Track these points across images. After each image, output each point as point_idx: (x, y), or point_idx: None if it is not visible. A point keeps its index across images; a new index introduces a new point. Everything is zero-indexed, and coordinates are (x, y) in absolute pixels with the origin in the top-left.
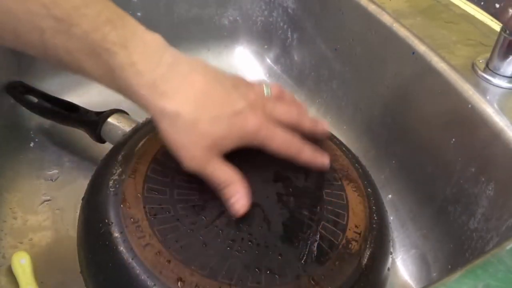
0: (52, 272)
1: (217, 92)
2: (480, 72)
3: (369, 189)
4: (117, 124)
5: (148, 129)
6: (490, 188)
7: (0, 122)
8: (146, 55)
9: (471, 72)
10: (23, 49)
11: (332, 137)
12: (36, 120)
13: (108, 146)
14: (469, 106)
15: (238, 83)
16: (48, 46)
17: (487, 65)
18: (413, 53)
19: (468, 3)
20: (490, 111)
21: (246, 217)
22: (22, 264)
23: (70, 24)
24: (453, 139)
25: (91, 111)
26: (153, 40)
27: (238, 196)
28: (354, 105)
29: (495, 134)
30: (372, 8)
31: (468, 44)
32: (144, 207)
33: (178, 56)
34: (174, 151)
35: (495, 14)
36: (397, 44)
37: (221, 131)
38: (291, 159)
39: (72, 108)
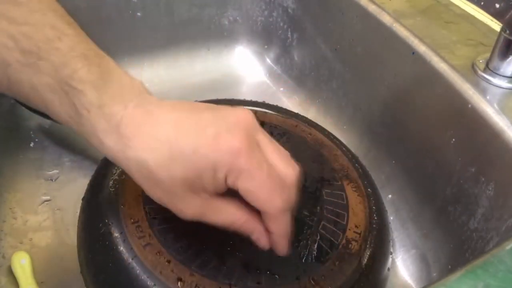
0: (52, 272)
1: (188, 122)
2: (480, 72)
3: (369, 189)
4: None
5: None
6: (490, 188)
7: (0, 122)
8: (119, 98)
9: (471, 72)
10: None
11: (332, 137)
12: (36, 120)
13: None
14: (469, 106)
15: (218, 107)
16: (12, 80)
17: (487, 65)
18: (413, 53)
19: (468, 3)
20: (490, 111)
21: None
22: (22, 264)
23: (39, 57)
24: (453, 139)
25: None
26: (131, 83)
27: (256, 234)
28: (354, 105)
29: (495, 134)
30: (372, 8)
31: (468, 44)
32: (144, 207)
33: (155, 101)
34: (165, 206)
35: (495, 14)
36: (397, 44)
37: (197, 167)
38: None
39: None
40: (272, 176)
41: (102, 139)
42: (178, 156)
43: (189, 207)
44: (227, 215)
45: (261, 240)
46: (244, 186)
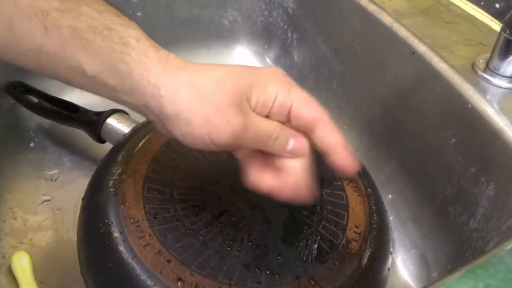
0: (52, 272)
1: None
2: (480, 72)
3: (369, 189)
4: (117, 124)
5: (148, 129)
6: (490, 188)
7: (0, 122)
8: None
9: (471, 72)
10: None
11: None
12: (36, 120)
13: (108, 146)
14: (469, 106)
15: None
16: (49, 27)
17: (487, 65)
18: (413, 53)
19: (468, 3)
20: (490, 111)
21: (246, 217)
22: (22, 264)
23: (78, 4)
24: (453, 139)
25: (91, 111)
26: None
27: (297, 139)
28: (354, 105)
29: (495, 134)
30: (372, 8)
31: (468, 44)
32: (144, 207)
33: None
34: (200, 132)
35: (495, 14)
36: (397, 44)
37: (245, 80)
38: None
39: (72, 108)
40: None
41: (151, 66)
42: (232, 73)
43: (233, 122)
44: (266, 126)
45: (302, 143)
46: (300, 96)
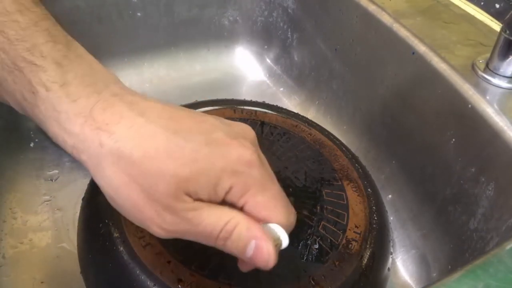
0: (52, 272)
1: (188, 120)
2: (480, 72)
3: (369, 189)
4: None
5: None
6: (490, 188)
7: (0, 122)
8: (89, 81)
9: (471, 72)
10: None
11: (332, 137)
12: None
13: None
14: (469, 106)
15: (213, 117)
16: None
17: (487, 65)
18: (413, 53)
19: (468, 3)
20: (490, 111)
21: None
22: None
23: None
24: (453, 139)
25: None
26: (104, 70)
27: (256, 242)
28: (354, 105)
29: (495, 134)
30: (372, 8)
31: (468, 44)
32: None
33: (137, 94)
34: (130, 217)
35: (495, 14)
36: (397, 44)
37: (188, 168)
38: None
39: None
40: (281, 191)
41: (64, 123)
42: (176, 152)
43: (164, 215)
44: (220, 215)
45: (266, 252)
46: (255, 199)
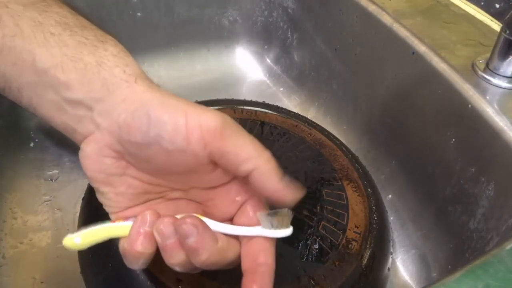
0: (52, 272)
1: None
2: (480, 72)
3: (369, 189)
4: None
5: None
6: (490, 188)
7: (0, 122)
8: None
9: (471, 72)
10: None
11: (332, 137)
12: (36, 120)
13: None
14: (469, 106)
15: None
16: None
17: (487, 65)
18: (413, 53)
19: (468, 3)
20: (490, 111)
21: None
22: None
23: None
24: (453, 139)
25: None
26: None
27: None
28: (354, 105)
29: (495, 134)
30: (372, 8)
31: (468, 44)
32: None
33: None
34: (177, 111)
35: (495, 14)
36: (397, 44)
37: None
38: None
39: None
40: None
41: (128, 61)
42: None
43: (218, 114)
44: (256, 141)
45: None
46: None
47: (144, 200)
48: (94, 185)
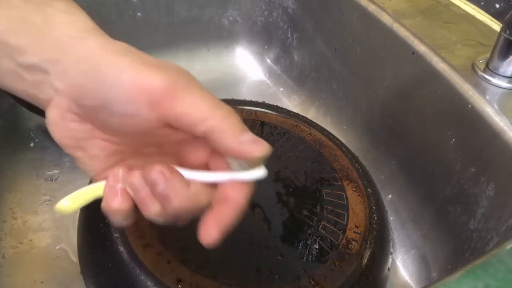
0: (52, 272)
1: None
2: (480, 72)
3: (369, 189)
4: None
5: None
6: (490, 188)
7: (0, 122)
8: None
9: (471, 72)
10: None
11: (332, 137)
12: (36, 120)
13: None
14: (469, 106)
15: None
16: None
17: (487, 65)
18: (413, 53)
19: (468, 3)
20: (490, 111)
21: (246, 217)
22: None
23: None
24: (453, 139)
25: None
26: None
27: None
28: (354, 105)
29: (495, 134)
30: (372, 8)
31: (468, 44)
32: None
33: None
34: (129, 72)
35: (495, 14)
36: (397, 44)
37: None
38: None
39: None
40: None
41: (79, 16)
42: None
43: (169, 74)
44: (211, 98)
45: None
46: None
47: (120, 159)
48: (66, 151)
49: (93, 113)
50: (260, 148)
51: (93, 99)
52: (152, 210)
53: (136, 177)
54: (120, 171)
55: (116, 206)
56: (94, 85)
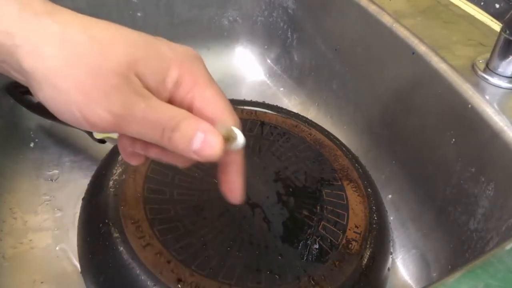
0: (52, 272)
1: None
2: (480, 72)
3: (369, 189)
4: None
5: None
6: (490, 188)
7: (0, 122)
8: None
9: (471, 72)
10: None
11: (332, 137)
12: (36, 120)
13: (108, 146)
14: (469, 106)
15: None
16: None
17: (487, 65)
18: (413, 53)
19: (468, 3)
20: (490, 111)
21: (246, 217)
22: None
23: None
24: (453, 139)
25: None
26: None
27: (204, 132)
28: (354, 105)
29: (495, 134)
30: (372, 8)
31: (468, 44)
32: (144, 208)
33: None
34: (68, 100)
35: (495, 14)
36: (397, 44)
37: (140, 51)
38: None
39: None
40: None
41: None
42: (125, 37)
43: (113, 94)
44: (161, 108)
45: (213, 143)
46: (204, 93)
47: None
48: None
49: None
50: (211, 152)
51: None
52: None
53: (138, 147)
54: (125, 140)
55: (135, 163)
56: (46, 104)
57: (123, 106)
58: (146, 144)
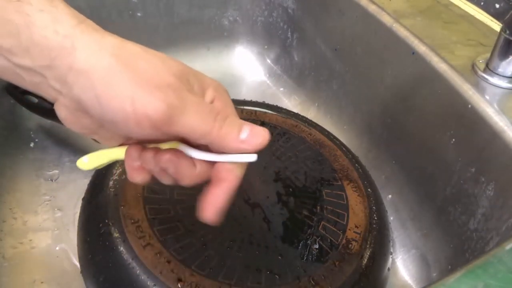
0: (52, 272)
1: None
2: (480, 72)
3: (369, 189)
4: None
5: None
6: (490, 188)
7: (0, 122)
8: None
9: (471, 72)
10: None
11: (332, 137)
12: (36, 120)
13: (108, 146)
14: (469, 106)
15: None
16: None
17: (487, 65)
18: (413, 53)
19: (468, 3)
20: (490, 111)
21: (246, 217)
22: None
23: None
24: (453, 139)
25: None
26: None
27: (248, 126)
28: (354, 105)
29: (495, 134)
30: (372, 8)
31: (468, 44)
32: (144, 208)
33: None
34: (122, 93)
35: (495, 14)
36: (397, 44)
37: (192, 71)
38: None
39: None
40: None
41: (58, 16)
42: (171, 60)
43: (173, 85)
44: (211, 105)
45: (261, 133)
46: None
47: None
48: (83, 135)
49: (99, 120)
50: (260, 139)
51: (94, 113)
52: (166, 180)
53: (148, 160)
54: (133, 151)
55: (138, 180)
56: (91, 103)
57: (178, 98)
58: (157, 151)
